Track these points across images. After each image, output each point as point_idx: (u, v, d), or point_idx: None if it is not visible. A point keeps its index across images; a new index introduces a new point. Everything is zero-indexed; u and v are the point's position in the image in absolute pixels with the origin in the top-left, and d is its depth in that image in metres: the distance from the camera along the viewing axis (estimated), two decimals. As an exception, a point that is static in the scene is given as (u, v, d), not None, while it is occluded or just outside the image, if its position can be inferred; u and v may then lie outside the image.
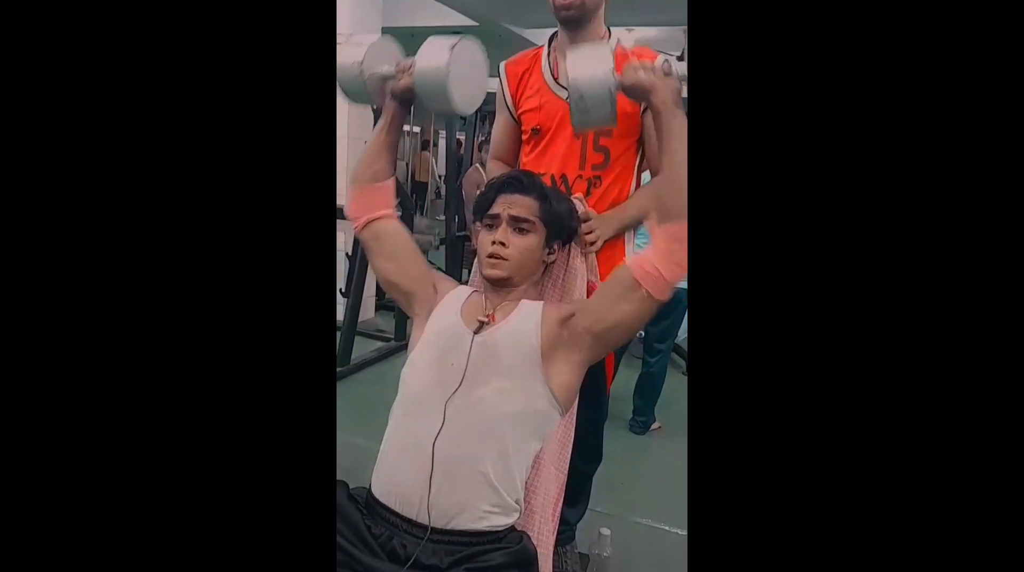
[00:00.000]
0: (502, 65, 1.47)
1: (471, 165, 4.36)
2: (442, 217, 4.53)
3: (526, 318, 1.10)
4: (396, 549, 0.99)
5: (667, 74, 1.05)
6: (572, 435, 1.24)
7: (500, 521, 1.03)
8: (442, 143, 8.51)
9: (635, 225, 1.44)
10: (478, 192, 1.25)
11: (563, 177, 1.39)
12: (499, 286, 1.15)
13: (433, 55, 1.09)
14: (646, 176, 1.47)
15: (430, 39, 1.11)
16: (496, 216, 1.16)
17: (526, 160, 1.46)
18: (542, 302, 1.16)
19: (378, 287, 3.79)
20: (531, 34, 6.37)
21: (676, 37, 6.20)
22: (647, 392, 2.67)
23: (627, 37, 5.83)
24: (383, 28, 3.90)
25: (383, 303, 4.13)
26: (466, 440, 1.03)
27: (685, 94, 1.05)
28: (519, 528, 1.08)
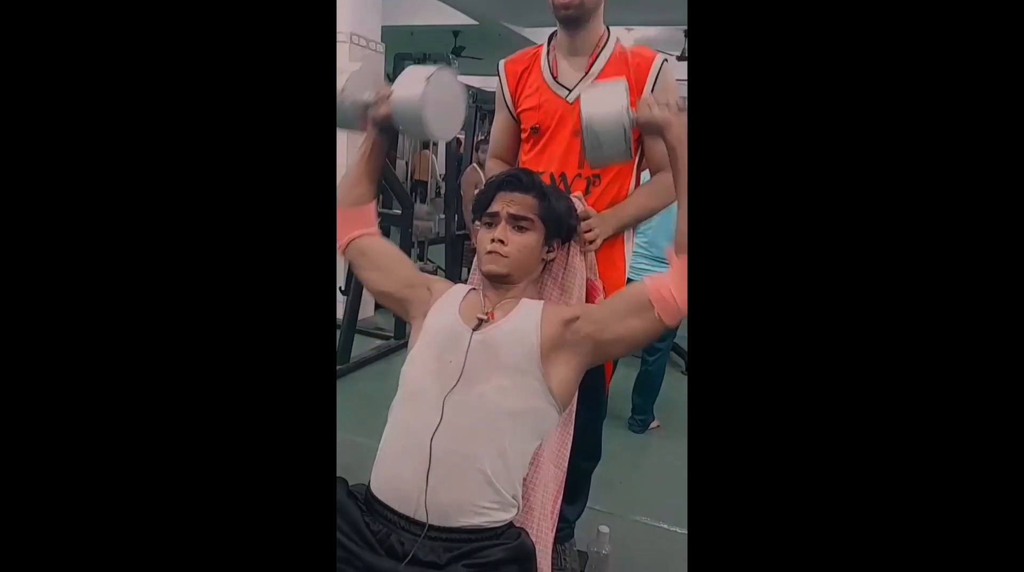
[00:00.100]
0: (501, 64, 1.47)
1: (470, 163, 4.36)
2: (442, 215, 4.53)
3: (526, 317, 1.10)
4: (394, 546, 1.00)
5: (681, 110, 1.05)
6: (571, 433, 1.24)
7: (498, 517, 1.03)
8: (442, 143, 8.49)
9: (634, 224, 1.44)
10: (476, 191, 1.25)
11: (562, 175, 1.39)
12: (498, 283, 1.15)
13: (409, 85, 1.13)
14: (645, 175, 1.47)
15: (408, 69, 1.16)
16: (495, 214, 1.16)
17: (525, 158, 1.45)
18: (542, 302, 1.16)
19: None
20: (530, 33, 6.37)
21: (676, 37, 6.20)
22: (646, 390, 2.67)
23: (626, 36, 5.82)
24: (383, 27, 3.89)
25: (383, 302, 4.12)
26: (464, 437, 1.03)
27: (685, 94, 1.06)
28: (518, 525, 1.09)
